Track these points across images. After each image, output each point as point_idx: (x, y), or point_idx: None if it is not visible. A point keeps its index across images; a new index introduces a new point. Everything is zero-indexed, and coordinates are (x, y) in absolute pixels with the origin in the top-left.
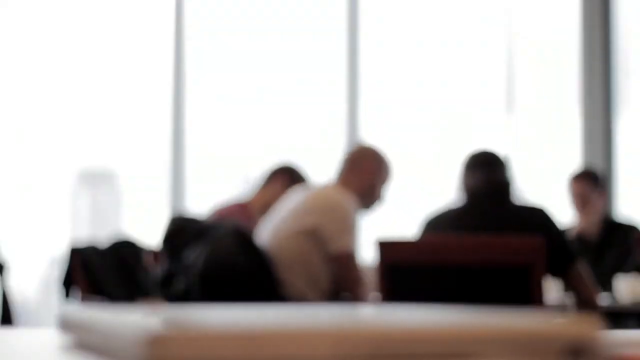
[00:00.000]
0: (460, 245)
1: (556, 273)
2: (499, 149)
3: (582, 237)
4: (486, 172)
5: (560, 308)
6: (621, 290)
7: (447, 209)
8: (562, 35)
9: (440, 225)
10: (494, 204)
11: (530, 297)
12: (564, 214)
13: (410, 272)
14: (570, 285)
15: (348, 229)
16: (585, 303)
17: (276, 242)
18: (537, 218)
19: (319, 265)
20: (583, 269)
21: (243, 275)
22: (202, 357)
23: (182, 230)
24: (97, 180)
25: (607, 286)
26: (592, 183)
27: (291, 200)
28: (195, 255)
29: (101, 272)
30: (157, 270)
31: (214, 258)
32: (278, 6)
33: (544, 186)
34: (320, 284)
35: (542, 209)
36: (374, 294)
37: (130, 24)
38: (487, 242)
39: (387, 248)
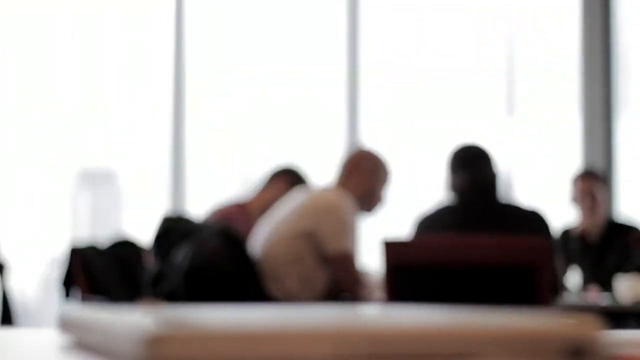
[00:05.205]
0: (465, 246)
1: None
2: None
3: (584, 237)
4: (470, 170)
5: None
6: (622, 290)
7: (436, 209)
8: (563, 36)
9: (431, 225)
10: (482, 202)
11: (535, 298)
12: (564, 214)
13: (415, 272)
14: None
15: (346, 230)
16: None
17: (271, 242)
18: (529, 219)
19: (313, 266)
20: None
21: (228, 275)
22: (202, 357)
23: (172, 231)
24: (97, 180)
25: (607, 286)
26: (598, 182)
27: (290, 202)
28: (182, 256)
29: (101, 272)
30: (150, 269)
31: (199, 258)
32: (278, 6)
33: (545, 187)
34: (314, 284)
35: (536, 211)
36: (379, 294)
37: (131, 24)
38: (491, 242)
39: (392, 248)
